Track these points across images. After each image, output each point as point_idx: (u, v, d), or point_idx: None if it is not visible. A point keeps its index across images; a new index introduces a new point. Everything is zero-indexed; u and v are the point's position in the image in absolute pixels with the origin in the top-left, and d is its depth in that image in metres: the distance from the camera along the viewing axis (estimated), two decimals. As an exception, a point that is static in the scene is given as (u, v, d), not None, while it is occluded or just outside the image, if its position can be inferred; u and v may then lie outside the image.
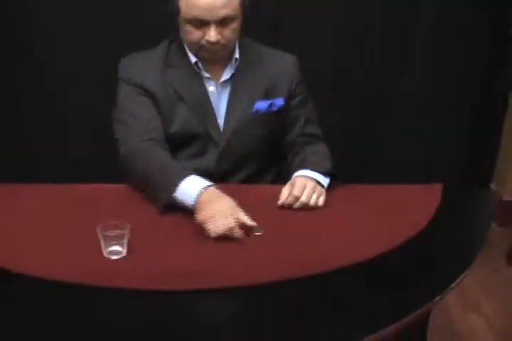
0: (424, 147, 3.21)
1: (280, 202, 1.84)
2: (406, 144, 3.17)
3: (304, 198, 1.82)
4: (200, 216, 1.67)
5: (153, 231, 1.70)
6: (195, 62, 1.98)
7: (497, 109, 3.19)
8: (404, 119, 3.13)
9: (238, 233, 1.64)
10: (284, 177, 2.08)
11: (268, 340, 1.33)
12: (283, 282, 1.48)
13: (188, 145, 2.02)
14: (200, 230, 1.67)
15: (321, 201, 1.85)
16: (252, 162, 2.09)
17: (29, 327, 1.33)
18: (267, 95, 2.03)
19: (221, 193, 1.73)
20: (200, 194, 1.72)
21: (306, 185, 1.84)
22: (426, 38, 2.98)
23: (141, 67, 1.99)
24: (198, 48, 1.92)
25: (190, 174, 1.78)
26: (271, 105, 2.04)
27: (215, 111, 2.01)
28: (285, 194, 1.84)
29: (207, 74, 2.00)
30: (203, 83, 2.00)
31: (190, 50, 1.97)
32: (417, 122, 3.14)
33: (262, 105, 2.03)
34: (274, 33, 2.82)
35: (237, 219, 1.65)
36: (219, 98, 2.01)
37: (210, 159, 2.03)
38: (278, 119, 2.08)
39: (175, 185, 1.75)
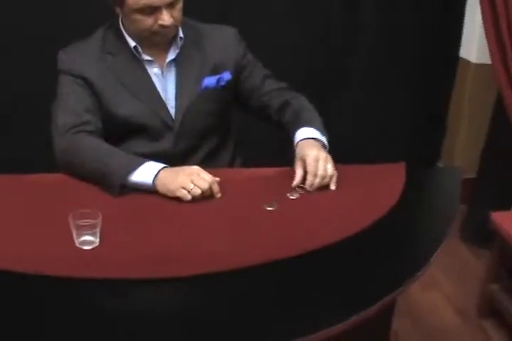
0: (369, 124, 3.25)
1: (295, 184, 1.82)
2: (350, 121, 3.20)
3: (321, 172, 1.80)
4: (167, 186, 1.72)
5: (126, 218, 1.66)
6: (134, 47, 1.94)
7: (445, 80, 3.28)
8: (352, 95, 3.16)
9: (217, 187, 1.73)
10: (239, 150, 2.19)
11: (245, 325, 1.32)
12: (247, 267, 1.46)
13: (141, 131, 1.99)
14: (173, 214, 1.65)
15: (335, 172, 1.84)
16: (209, 139, 2.08)
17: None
18: (214, 71, 2.02)
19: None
20: (159, 172, 1.75)
21: (317, 158, 1.82)
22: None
23: (79, 57, 1.95)
24: (151, 35, 1.88)
25: (146, 161, 1.79)
26: (219, 80, 2.02)
27: (163, 93, 1.98)
28: (298, 176, 1.82)
29: (148, 58, 1.96)
30: (144, 67, 1.96)
31: (139, 37, 1.92)
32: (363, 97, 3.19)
33: (210, 81, 2.01)
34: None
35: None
36: (165, 79, 1.98)
37: (166, 141, 2.00)
38: (228, 93, 2.07)
39: (132, 168, 1.76)
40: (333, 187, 1.83)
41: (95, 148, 1.86)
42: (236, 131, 2.21)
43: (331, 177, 1.83)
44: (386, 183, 1.89)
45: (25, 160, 2.44)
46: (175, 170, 1.77)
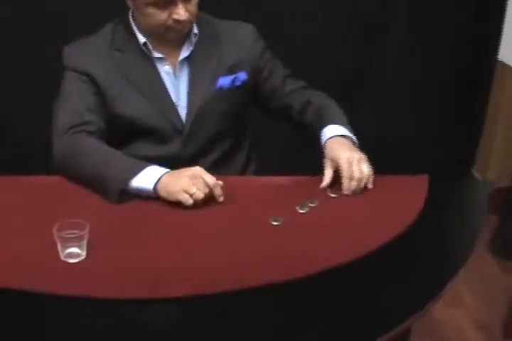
0: (399, 125, 3.10)
1: (324, 186, 1.74)
2: (384, 129, 3.05)
3: (357, 175, 1.70)
4: (168, 188, 1.62)
5: (118, 229, 1.55)
6: (144, 43, 1.83)
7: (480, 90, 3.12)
8: (382, 105, 3.02)
9: (219, 190, 1.63)
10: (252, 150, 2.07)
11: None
12: (262, 287, 1.35)
13: (148, 133, 1.88)
14: (170, 225, 1.55)
15: (371, 172, 1.75)
16: (222, 142, 1.96)
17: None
18: (230, 70, 1.90)
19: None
20: (161, 177, 1.64)
21: (350, 160, 1.72)
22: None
23: (84, 53, 1.85)
24: (164, 30, 1.77)
25: (148, 165, 1.68)
26: (234, 80, 1.90)
27: (174, 93, 1.87)
28: (328, 178, 1.74)
29: (159, 55, 1.85)
30: (153, 65, 1.85)
31: (150, 33, 1.81)
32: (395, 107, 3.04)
33: (225, 81, 1.89)
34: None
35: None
36: (178, 78, 1.87)
37: (174, 144, 1.89)
38: (243, 94, 1.95)
39: (134, 173, 1.65)
40: (370, 186, 1.75)
41: (95, 150, 1.76)
42: (251, 132, 2.10)
43: (369, 177, 1.73)
44: (407, 197, 1.75)
45: (24, 162, 2.35)
46: (177, 172, 1.66)
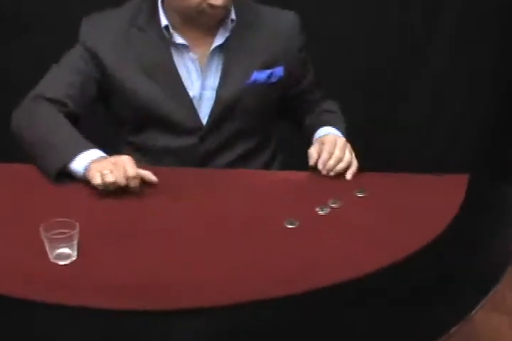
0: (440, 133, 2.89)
1: (311, 162, 1.64)
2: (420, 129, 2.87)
3: (338, 153, 1.62)
4: (89, 171, 1.50)
5: (110, 226, 1.42)
6: (166, 26, 1.66)
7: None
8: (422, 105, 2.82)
9: (136, 183, 1.49)
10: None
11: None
12: (261, 302, 1.19)
13: (162, 122, 1.73)
14: (172, 226, 1.42)
15: (355, 162, 1.66)
16: (245, 140, 1.81)
17: None
18: (266, 64, 1.72)
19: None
20: (93, 161, 1.52)
21: (336, 141, 1.65)
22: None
23: (100, 28, 1.70)
24: (196, 14, 1.61)
25: (91, 147, 1.56)
26: (270, 76, 1.73)
27: (199, 82, 1.71)
28: (314, 153, 1.63)
29: (181, 41, 1.68)
30: (170, 51, 1.69)
31: (180, 15, 1.65)
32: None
33: (260, 75, 1.72)
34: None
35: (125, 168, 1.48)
36: (207, 67, 1.70)
37: (192, 137, 1.74)
38: (276, 91, 1.79)
39: (73, 154, 1.53)
40: (349, 176, 1.64)
41: (49, 121, 1.62)
42: (277, 131, 1.95)
43: (349, 163, 1.62)
44: (442, 199, 1.57)
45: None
46: (105, 157, 1.54)
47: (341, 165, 1.62)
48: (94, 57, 1.68)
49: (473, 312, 1.22)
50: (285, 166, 1.92)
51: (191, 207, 1.50)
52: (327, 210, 1.49)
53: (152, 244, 1.36)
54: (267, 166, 1.89)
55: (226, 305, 1.18)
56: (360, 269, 1.27)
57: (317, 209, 1.50)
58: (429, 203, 1.56)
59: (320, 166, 1.62)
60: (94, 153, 1.54)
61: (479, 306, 1.22)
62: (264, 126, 1.86)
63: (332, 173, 1.63)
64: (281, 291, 1.21)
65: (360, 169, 1.67)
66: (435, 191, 1.62)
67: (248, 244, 1.37)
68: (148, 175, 1.54)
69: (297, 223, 1.43)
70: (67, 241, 1.27)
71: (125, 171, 1.48)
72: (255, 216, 1.47)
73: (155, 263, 1.30)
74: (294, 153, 1.76)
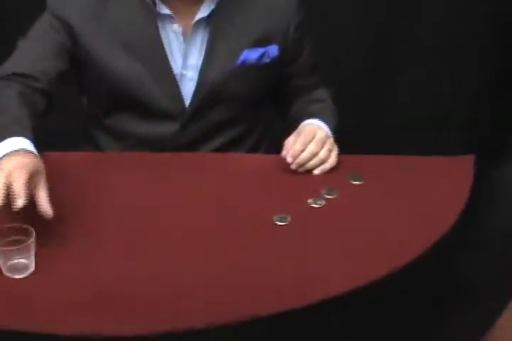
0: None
1: (284, 153, 1.43)
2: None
3: (313, 147, 1.42)
4: None
5: (72, 229, 1.23)
6: None
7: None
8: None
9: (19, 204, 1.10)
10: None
11: None
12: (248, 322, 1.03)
13: (139, 104, 1.53)
14: (150, 230, 1.23)
15: (333, 157, 1.45)
16: (230, 128, 1.63)
17: None
18: (259, 42, 1.53)
19: (28, 160, 1.19)
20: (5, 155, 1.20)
21: (315, 133, 1.44)
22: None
23: None
24: None
25: (19, 135, 1.25)
26: (262, 55, 1.54)
27: (181, 59, 1.52)
28: (290, 143, 1.43)
29: (165, 11, 1.48)
30: (156, 22, 1.48)
31: None
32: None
33: (250, 54, 1.53)
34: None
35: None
36: (190, 42, 1.51)
37: (172, 123, 1.56)
38: (269, 73, 1.59)
39: None
40: (316, 172, 1.44)
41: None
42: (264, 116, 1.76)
43: (322, 162, 1.44)
44: (449, 183, 1.41)
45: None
46: (13, 158, 1.19)
47: (312, 163, 1.43)
48: (64, 24, 1.47)
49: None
50: (272, 150, 1.73)
51: (164, 201, 1.32)
52: (322, 202, 1.32)
53: (123, 249, 1.18)
54: (252, 151, 1.70)
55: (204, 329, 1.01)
56: (364, 278, 1.10)
57: (310, 200, 1.33)
58: (436, 188, 1.40)
59: (289, 159, 1.41)
60: (14, 144, 1.24)
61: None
62: (253, 113, 1.67)
63: (301, 169, 1.43)
64: (268, 310, 1.04)
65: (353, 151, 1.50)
66: (440, 174, 1.46)
67: (230, 251, 1.18)
68: (45, 206, 1.16)
69: (288, 218, 1.26)
70: (22, 252, 1.10)
71: (13, 177, 1.13)
72: (241, 213, 1.30)
73: (126, 272, 1.12)
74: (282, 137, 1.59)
